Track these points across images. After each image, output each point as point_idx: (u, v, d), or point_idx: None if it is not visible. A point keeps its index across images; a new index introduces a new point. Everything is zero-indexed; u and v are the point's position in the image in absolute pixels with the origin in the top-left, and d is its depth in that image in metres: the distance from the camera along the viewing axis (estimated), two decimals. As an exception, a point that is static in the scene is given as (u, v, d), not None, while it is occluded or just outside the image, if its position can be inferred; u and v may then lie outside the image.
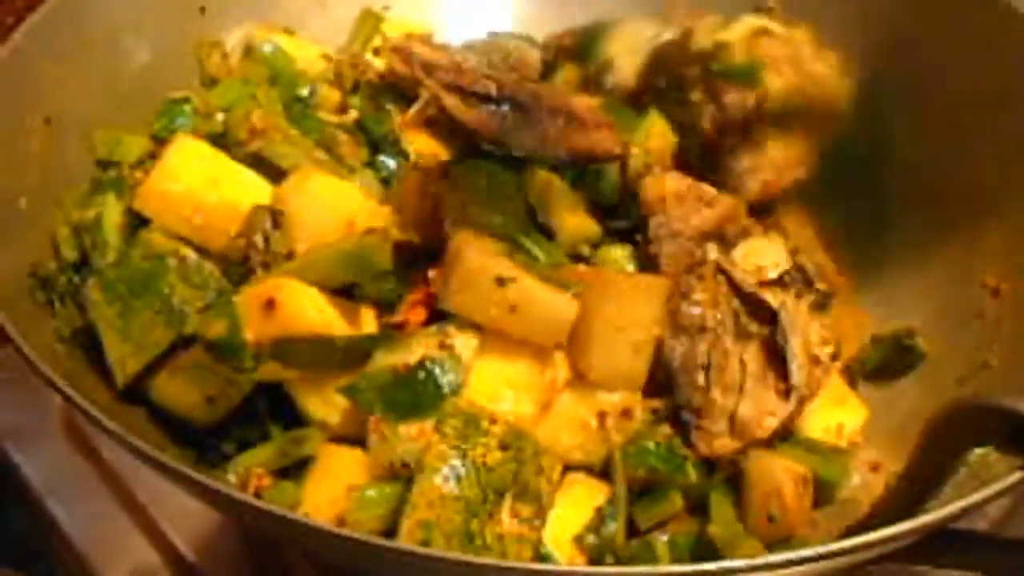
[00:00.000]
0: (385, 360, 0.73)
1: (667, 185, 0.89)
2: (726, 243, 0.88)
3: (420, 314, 0.75)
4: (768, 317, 0.81)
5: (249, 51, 1.03)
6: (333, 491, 0.72)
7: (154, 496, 1.05)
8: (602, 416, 0.76)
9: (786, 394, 0.79)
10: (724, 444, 0.78)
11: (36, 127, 0.88)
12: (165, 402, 0.77)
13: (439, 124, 0.94)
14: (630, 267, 0.87)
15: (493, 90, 0.93)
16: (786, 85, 1.00)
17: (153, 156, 0.90)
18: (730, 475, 0.79)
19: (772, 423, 0.78)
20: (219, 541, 1.03)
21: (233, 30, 1.06)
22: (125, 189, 0.86)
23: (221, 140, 0.85)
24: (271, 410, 0.77)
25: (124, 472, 1.08)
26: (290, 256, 0.77)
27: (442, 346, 0.73)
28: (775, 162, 0.97)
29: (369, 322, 0.77)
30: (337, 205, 0.77)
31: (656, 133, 0.96)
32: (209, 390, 0.75)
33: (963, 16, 0.95)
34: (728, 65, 0.99)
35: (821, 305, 0.86)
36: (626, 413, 0.76)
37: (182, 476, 0.63)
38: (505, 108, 0.92)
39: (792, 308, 0.81)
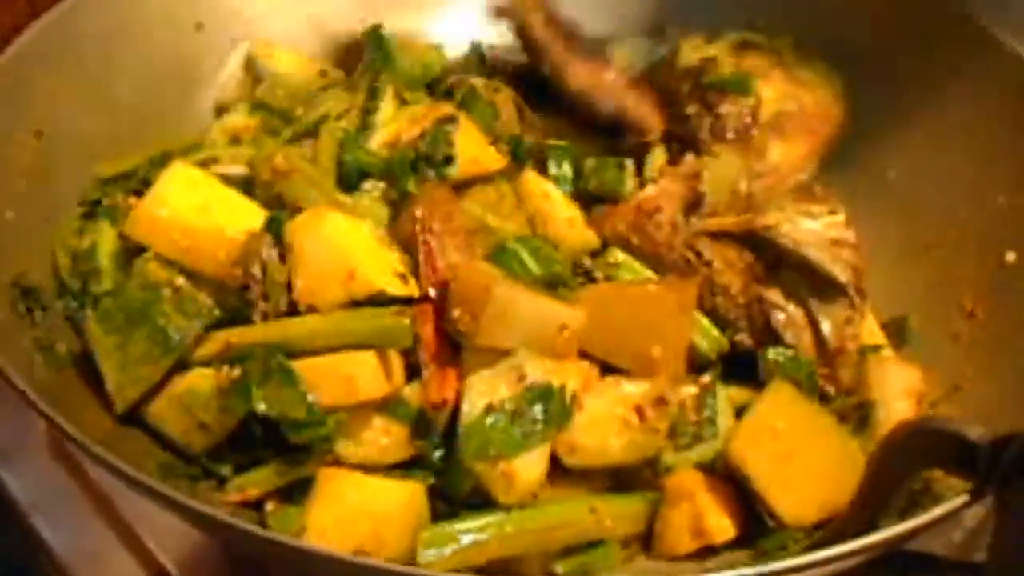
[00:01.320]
0: (476, 405, 0.77)
1: (620, 225, 0.94)
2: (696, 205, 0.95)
3: (452, 388, 0.79)
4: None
5: (250, 67, 1.09)
6: (338, 514, 0.77)
7: (139, 512, 1.08)
8: (640, 410, 0.81)
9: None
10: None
11: (27, 140, 0.92)
12: (160, 427, 0.81)
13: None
14: (636, 266, 0.92)
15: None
16: (777, 92, 1.05)
17: (147, 182, 0.93)
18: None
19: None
20: (203, 557, 1.07)
21: (230, 49, 1.10)
22: (120, 217, 0.90)
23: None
24: (265, 435, 0.80)
25: (109, 489, 1.11)
26: (289, 288, 0.80)
27: (520, 378, 0.78)
28: (777, 167, 1.01)
29: (398, 367, 0.81)
30: (342, 250, 0.81)
31: (659, 167, 1.02)
32: (203, 416, 0.79)
33: (954, 50, 1.02)
34: (719, 77, 1.04)
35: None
36: (660, 401, 0.81)
37: (177, 504, 0.67)
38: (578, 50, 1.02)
39: None
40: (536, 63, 1.03)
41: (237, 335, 0.80)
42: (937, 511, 0.65)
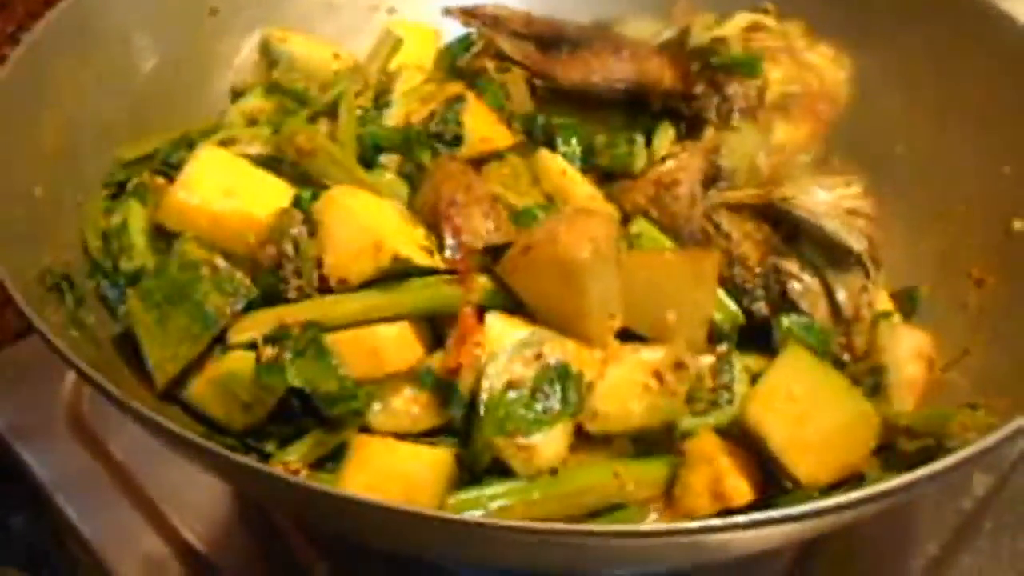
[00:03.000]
0: (497, 380, 0.82)
1: (640, 198, 0.98)
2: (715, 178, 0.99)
3: (469, 353, 0.83)
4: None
5: (264, 51, 1.13)
6: (370, 478, 0.81)
7: (163, 490, 1.13)
8: (659, 375, 0.85)
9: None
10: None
11: (51, 121, 0.96)
12: (203, 408, 0.85)
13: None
14: (658, 236, 0.95)
15: (550, 33, 1.05)
16: (784, 74, 1.09)
17: (169, 163, 0.99)
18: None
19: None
20: (228, 531, 1.11)
21: (245, 33, 1.14)
22: (148, 195, 0.95)
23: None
24: (304, 408, 0.85)
25: (132, 467, 1.16)
26: (319, 265, 0.85)
27: (537, 357, 0.82)
28: (781, 146, 1.05)
29: (420, 338, 0.87)
30: (368, 224, 0.85)
31: (666, 144, 1.06)
32: (244, 396, 0.83)
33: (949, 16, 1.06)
34: (728, 58, 1.08)
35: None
36: (678, 365, 0.86)
37: (234, 464, 0.71)
38: (564, 48, 1.04)
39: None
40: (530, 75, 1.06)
41: (289, 314, 0.84)
42: (943, 462, 0.70)
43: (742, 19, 1.16)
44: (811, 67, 1.12)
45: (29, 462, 1.16)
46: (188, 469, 1.12)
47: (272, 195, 0.90)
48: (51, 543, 1.30)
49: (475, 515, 0.79)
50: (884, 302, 1.00)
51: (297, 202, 0.89)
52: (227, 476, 0.80)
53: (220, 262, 0.85)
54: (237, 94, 1.14)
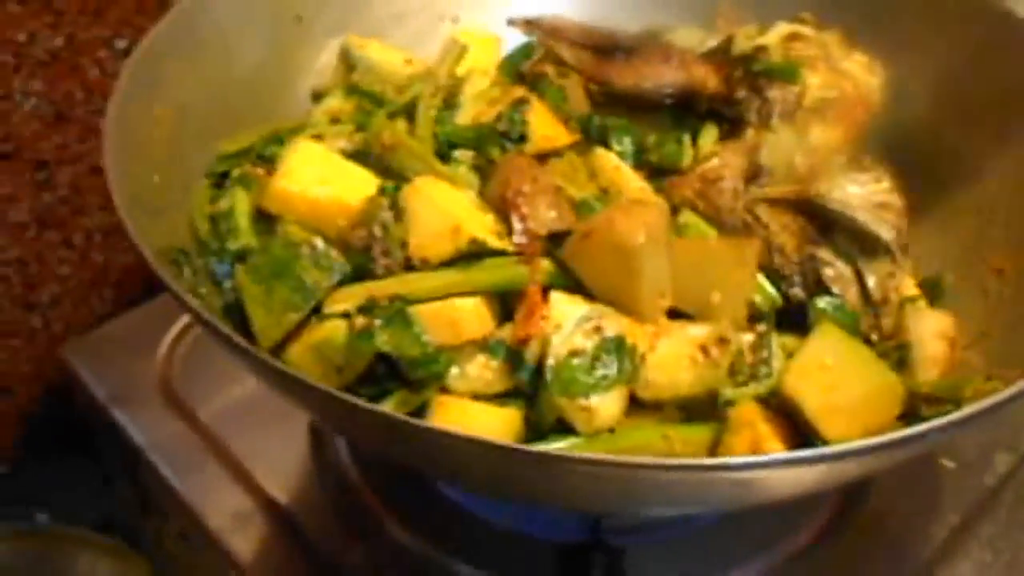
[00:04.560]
0: (562, 349, 0.91)
1: (687, 192, 1.07)
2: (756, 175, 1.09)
3: (536, 326, 0.92)
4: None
5: (344, 56, 1.24)
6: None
7: (247, 451, 1.25)
8: (705, 349, 0.95)
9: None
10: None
11: (162, 116, 1.07)
12: (300, 370, 0.94)
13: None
14: (703, 226, 1.05)
15: (605, 42, 1.16)
16: (822, 80, 1.17)
17: (262, 157, 1.11)
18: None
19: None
20: (306, 487, 1.22)
21: (324, 40, 1.26)
22: (251, 184, 1.07)
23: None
24: (388, 372, 0.94)
25: (219, 431, 1.28)
26: (404, 246, 0.96)
27: (596, 330, 0.92)
28: (818, 146, 1.14)
29: (493, 311, 0.97)
30: (448, 210, 0.96)
31: (711, 143, 1.16)
32: (338, 361, 0.93)
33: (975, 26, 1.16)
34: (769, 64, 1.17)
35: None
36: (722, 340, 0.95)
37: (343, 403, 0.81)
38: (617, 55, 1.15)
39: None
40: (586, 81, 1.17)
41: (378, 288, 0.95)
42: (953, 416, 0.79)
43: (782, 29, 1.25)
44: (846, 74, 1.21)
45: (127, 427, 1.29)
46: (270, 431, 1.26)
47: (361, 184, 1.01)
48: (123, 510, 1.43)
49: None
50: (911, 289, 1.09)
51: (383, 191, 1.00)
52: (332, 416, 0.91)
53: (318, 242, 0.96)
54: (318, 95, 1.26)
